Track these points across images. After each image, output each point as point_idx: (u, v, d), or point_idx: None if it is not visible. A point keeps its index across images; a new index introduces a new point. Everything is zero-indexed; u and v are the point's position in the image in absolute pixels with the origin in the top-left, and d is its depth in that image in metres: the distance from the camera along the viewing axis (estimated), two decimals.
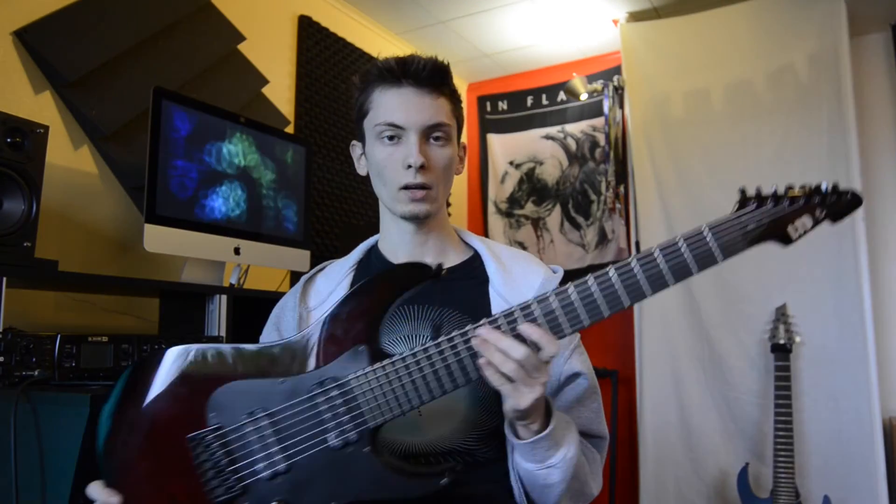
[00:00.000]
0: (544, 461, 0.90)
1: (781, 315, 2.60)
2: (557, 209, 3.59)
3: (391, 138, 1.02)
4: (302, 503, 0.81)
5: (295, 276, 2.31)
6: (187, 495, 0.82)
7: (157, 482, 0.83)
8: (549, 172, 3.63)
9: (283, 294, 1.18)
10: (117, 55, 1.95)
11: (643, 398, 2.90)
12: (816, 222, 0.83)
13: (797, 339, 2.56)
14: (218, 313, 1.78)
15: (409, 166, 1.01)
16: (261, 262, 2.03)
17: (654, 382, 2.89)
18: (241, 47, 2.44)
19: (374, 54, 3.11)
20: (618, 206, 3.28)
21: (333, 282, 1.12)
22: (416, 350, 0.83)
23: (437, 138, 1.03)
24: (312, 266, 1.44)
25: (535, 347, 0.81)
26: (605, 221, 3.42)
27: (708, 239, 0.81)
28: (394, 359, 0.83)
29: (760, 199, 0.83)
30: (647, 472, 2.86)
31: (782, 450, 2.45)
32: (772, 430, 2.51)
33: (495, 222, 3.77)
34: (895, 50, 2.96)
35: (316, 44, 2.82)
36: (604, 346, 3.15)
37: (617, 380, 3.17)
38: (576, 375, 1.04)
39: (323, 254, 2.67)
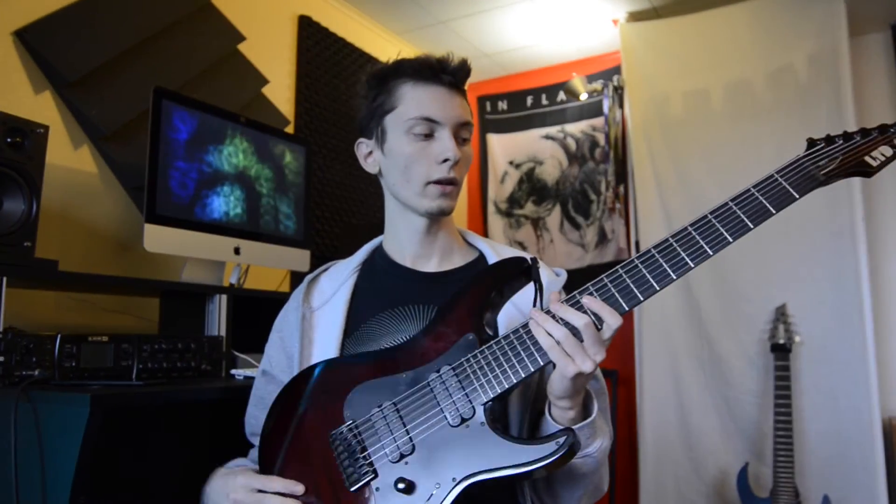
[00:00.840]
0: (582, 449, 0.90)
1: (781, 315, 2.60)
2: (557, 209, 3.59)
3: (424, 133, 1.02)
4: (426, 479, 0.87)
5: (295, 276, 2.31)
6: (328, 483, 0.91)
7: (305, 474, 0.94)
8: (549, 172, 3.63)
9: (283, 294, 1.18)
10: (117, 55, 1.95)
11: (643, 398, 2.91)
12: None
13: (797, 338, 2.57)
14: (218, 313, 1.77)
15: (446, 160, 1.01)
16: (261, 262, 2.03)
17: (654, 382, 2.90)
18: (241, 47, 2.44)
19: (375, 54, 3.11)
20: (617, 205, 3.29)
21: (337, 282, 1.11)
22: (517, 327, 0.89)
23: (464, 136, 1.05)
24: (313, 266, 1.44)
25: (597, 321, 0.84)
26: (604, 221, 3.42)
27: (780, 181, 0.84)
28: (498, 338, 0.89)
29: (830, 139, 0.85)
30: (646, 471, 2.86)
31: (782, 449, 2.45)
32: (771, 430, 2.52)
33: (495, 222, 3.77)
34: (895, 50, 2.96)
35: (316, 44, 2.82)
36: None
37: (617, 380, 3.17)
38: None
39: (323, 253, 2.68)
